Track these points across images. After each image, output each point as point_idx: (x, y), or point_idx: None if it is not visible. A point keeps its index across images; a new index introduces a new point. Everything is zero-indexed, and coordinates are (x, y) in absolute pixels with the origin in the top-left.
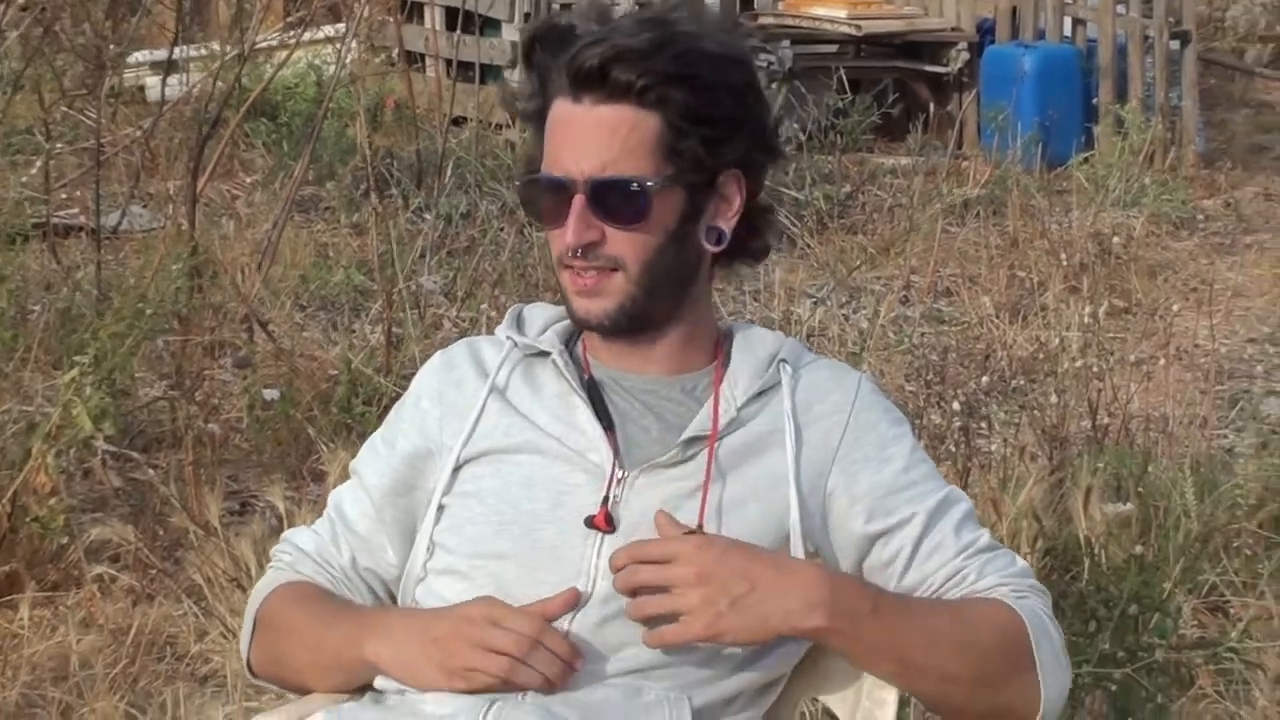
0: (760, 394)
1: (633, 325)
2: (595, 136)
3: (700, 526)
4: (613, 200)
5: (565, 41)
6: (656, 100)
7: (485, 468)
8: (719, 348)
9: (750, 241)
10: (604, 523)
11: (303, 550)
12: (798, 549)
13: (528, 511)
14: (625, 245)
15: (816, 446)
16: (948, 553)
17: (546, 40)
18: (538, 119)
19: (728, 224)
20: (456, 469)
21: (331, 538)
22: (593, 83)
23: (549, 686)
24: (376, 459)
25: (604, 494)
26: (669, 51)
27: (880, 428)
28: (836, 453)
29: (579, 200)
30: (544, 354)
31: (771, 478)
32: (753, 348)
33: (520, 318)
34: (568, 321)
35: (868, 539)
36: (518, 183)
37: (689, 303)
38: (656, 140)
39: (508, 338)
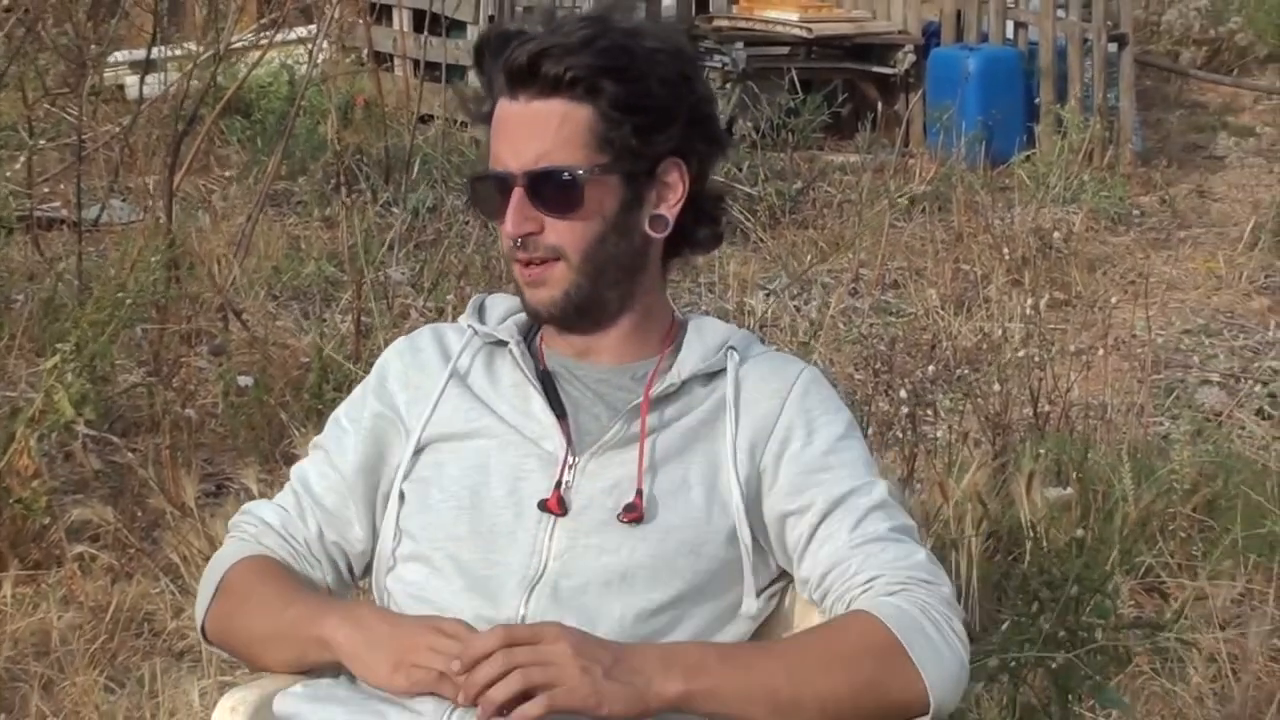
0: (708, 379)
1: (580, 314)
2: (530, 130)
3: (639, 493)
4: (547, 190)
5: (508, 44)
6: (586, 92)
7: (445, 454)
8: (670, 336)
9: (699, 229)
10: (556, 506)
11: (267, 523)
12: (744, 534)
13: (485, 497)
14: (563, 234)
15: (754, 430)
16: (839, 542)
17: (492, 45)
18: (487, 120)
19: (670, 211)
20: (417, 452)
21: (298, 512)
22: (525, 79)
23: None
24: (344, 435)
25: (556, 479)
26: (599, 45)
27: (813, 412)
28: (770, 434)
29: (517, 192)
30: (503, 343)
31: (712, 462)
32: (704, 335)
33: (482, 306)
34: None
35: (779, 519)
36: (466, 182)
37: (639, 292)
38: (589, 130)
39: (469, 326)
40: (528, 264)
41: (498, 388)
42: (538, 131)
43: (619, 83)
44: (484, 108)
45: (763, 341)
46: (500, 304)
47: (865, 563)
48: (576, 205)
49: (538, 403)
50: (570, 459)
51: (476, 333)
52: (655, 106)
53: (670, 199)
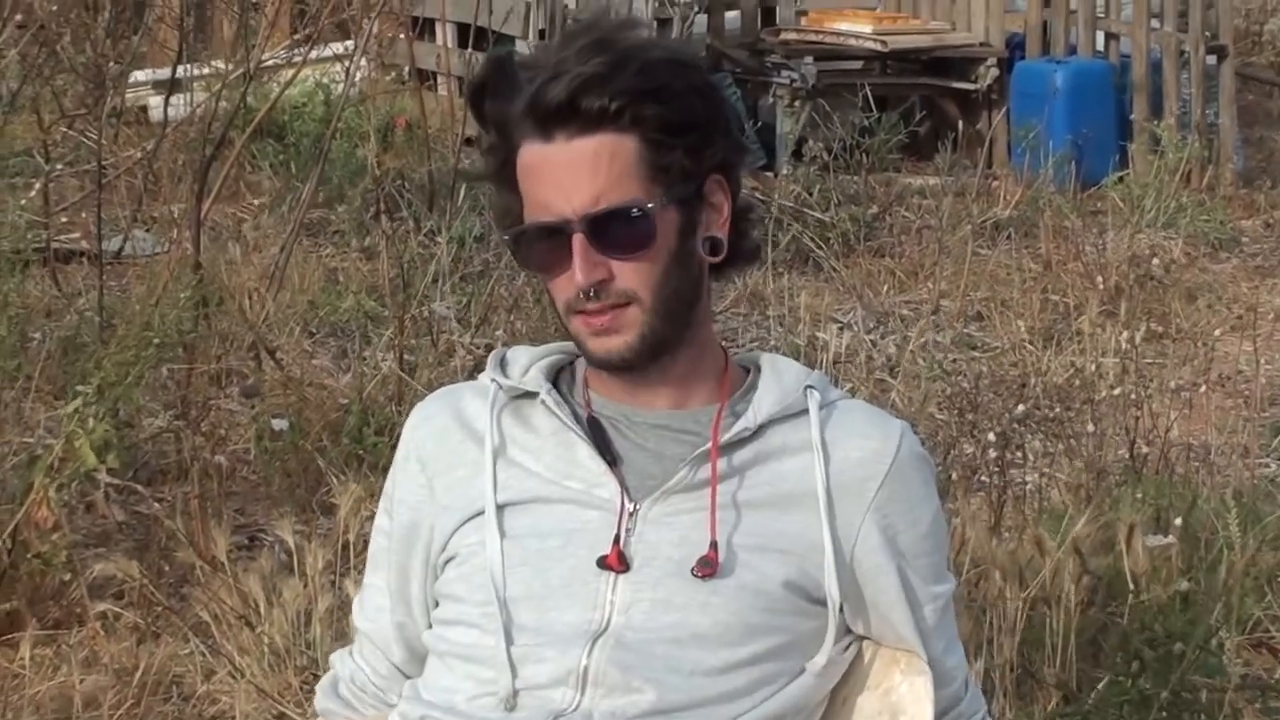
0: (785, 421)
1: (654, 356)
2: (579, 171)
3: (714, 545)
4: (615, 231)
5: (513, 85)
6: (631, 121)
7: (491, 525)
8: (727, 374)
9: (741, 245)
10: (616, 561)
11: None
12: (833, 592)
13: (536, 551)
14: (635, 276)
15: (850, 486)
16: (915, 633)
17: (494, 89)
18: (503, 171)
19: (722, 231)
20: (460, 526)
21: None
22: (563, 117)
23: None
24: (381, 552)
25: (615, 531)
26: (629, 69)
27: (915, 484)
28: (872, 502)
29: (579, 239)
30: (531, 395)
31: (799, 516)
32: (780, 375)
33: (504, 360)
34: (551, 358)
35: (875, 600)
36: (505, 238)
37: (696, 324)
38: (640, 161)
39: (492, 380)
40: (599, 313)
41: (538, 440)
42: (588, 171)
43: (663, 105)
44: (495, 158)
45: (836, 383)
46: (522, 356)
47: (972, 704)
48: (649, 242)
49: (584, 449)
50: (630, 506)
51: (501, 387)
52: (700, 123)
53: (719, 219)
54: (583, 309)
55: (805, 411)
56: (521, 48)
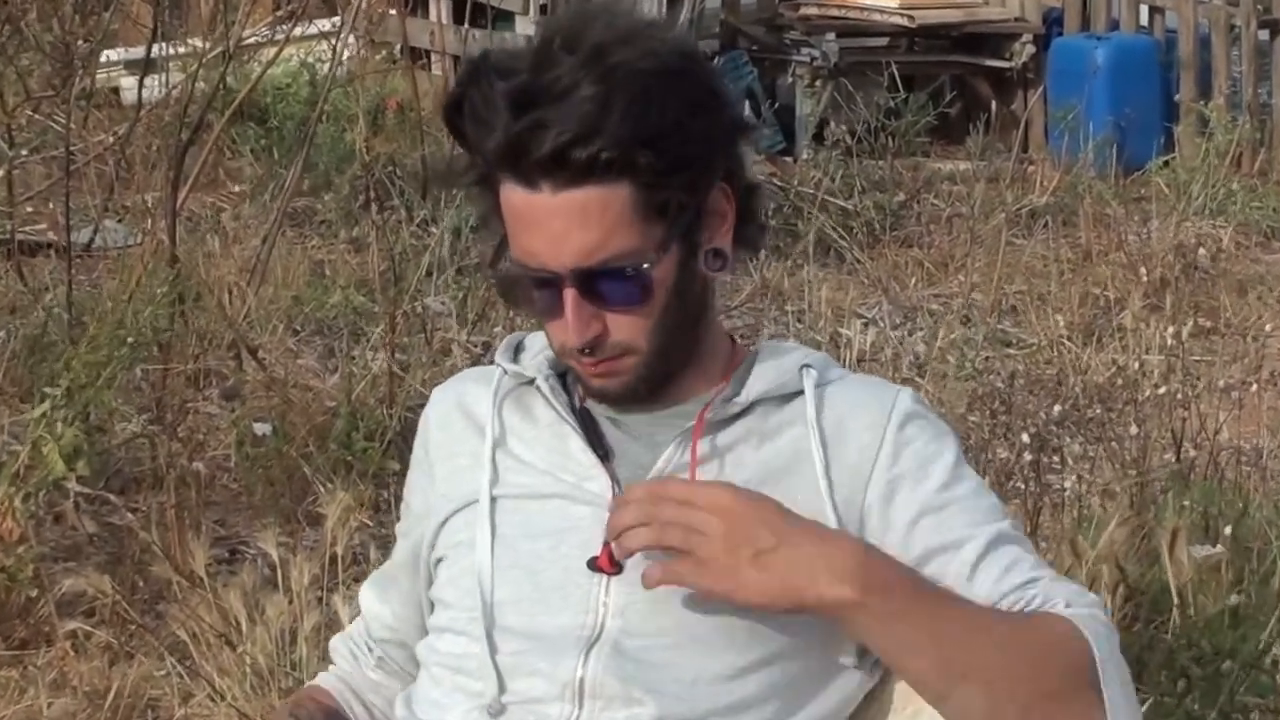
0: (781, 403)
1: (653, 390)
2: (569, 223)
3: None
4: (610, 287)
5: (491, 107)
6: (622, 168)
7: (480, 518)
8: (733, 362)
9: (747, 232)
10: (607, 563)
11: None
12: None
13: (528, 552)
14: (631, 329)
15: (850, 464)
16: (1007, 584)
17: (471, 110)
18: (484, 191)
19: (725, 240)
20: (449, 518)
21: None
22: (549, 169)
23: None
24: (406, 522)
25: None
26: (617, 105)
27: (919, 442)
28: (873, 469)
29: (571, 294)
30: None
31: (798, 501)
32: (778, 357)
33: (519, 346)
34: None
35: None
36: (490, 276)
37: (699, 336)
38: (634, 206)
39: (498, 365)
40: (594, 364)
41: (535, 431)
42: (578, 223)
43: (655, 149)
44: (472, 173)
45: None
46: (537, 342)
47: (1048, 594)
48: (647, 298)
49: (575, 441)
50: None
51: (506, 373)
52: (696, 150)
53: (722, 227)
54: (580, 360)
55: (801, 392)
56: (521, 25)
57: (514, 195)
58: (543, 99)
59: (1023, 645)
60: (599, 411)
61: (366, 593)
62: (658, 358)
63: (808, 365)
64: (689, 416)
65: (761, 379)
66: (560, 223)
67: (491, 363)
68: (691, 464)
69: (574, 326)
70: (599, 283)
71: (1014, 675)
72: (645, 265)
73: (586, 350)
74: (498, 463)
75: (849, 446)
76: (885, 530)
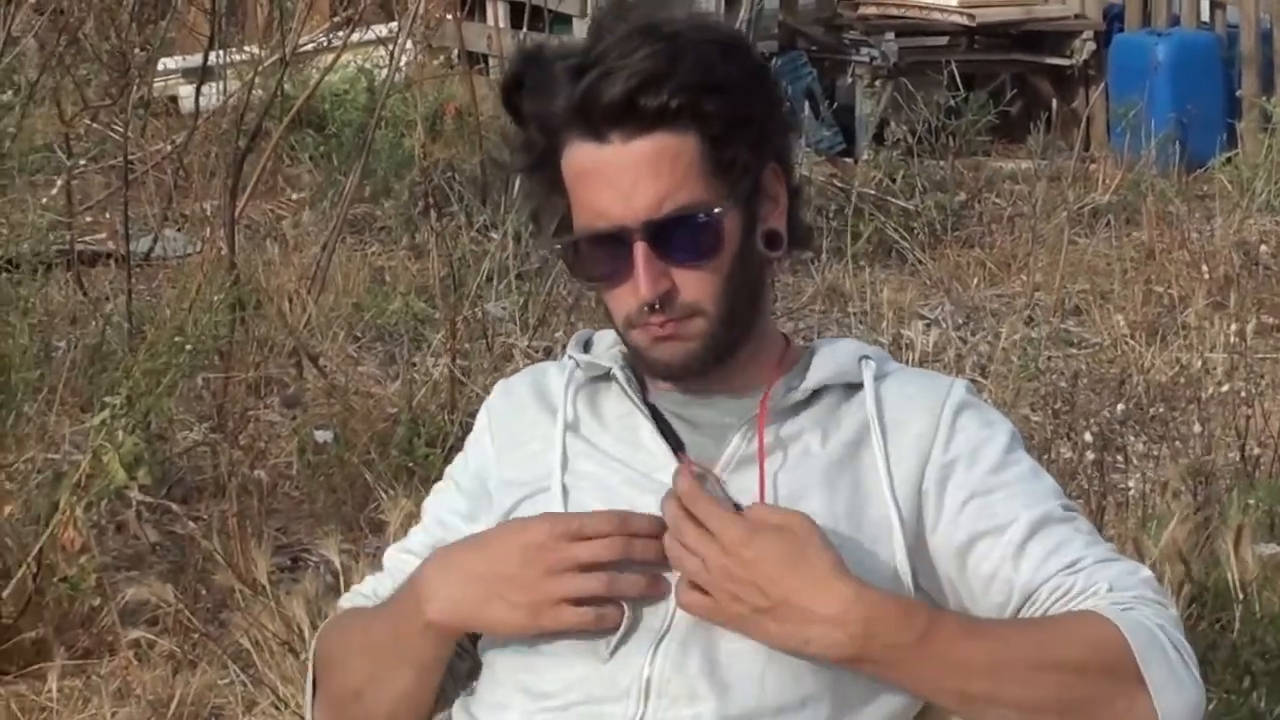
0: (841, 396)
1: (717, 363)
2: (639, 174)
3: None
4: (681, 238)
5: (552, 79)
6: (692, 118)
7: (553, 501)
8: (786, 358)
9: (796, 229)
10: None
11: (363, 596)
12: (905, 571)
13: None
14: (701, 287)
15: (909, 452)
16: (1052, 566)
17: (532, 84)
18: (544, 169)
19: (780, 223)
20: (518, 503)
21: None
22: (618, 118)
23: (652, 592)
24: (445, 495)
25: None
26: (685, 61)
27: (972, 426)
28: (929, 457)
29: (642, 247)
30: (606, 378)
31: (860, 490)
32: (835, 350)
33: (589, 341)
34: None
35: (956, 552)
36: (557, 246)
37: (758, 319)
38: (702, 159)
39: (569, 357)
40: (661, 325)
41: (603, 423)
42: (648, 173)
43: (724, 100)
44: (534, 156)
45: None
46: (607, 337)
47: (1090, 577)
48: (717, 249)
49: (647, 431)
50: None
51: (579, 365)
52: (757, 111)
53: (776, 209)
54: (645, 322)
55: (860, 385)
56: (579, 28)
57: (581, 153)
58: (607, 58)
59: (1052, 660)
60: (664, 405)
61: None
62: (723, 325)
63: (866, 357)
64: (751, 409)
65: (821, 369)
66: (630, 174)
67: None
68: (760, 452)
69: (645, 279)
70: (670, 233)
71: (1045, 693)
72: (717, 210)
73: (656, 306)
74: (568, 447)
75: (906, 436)
76: (938, 515)
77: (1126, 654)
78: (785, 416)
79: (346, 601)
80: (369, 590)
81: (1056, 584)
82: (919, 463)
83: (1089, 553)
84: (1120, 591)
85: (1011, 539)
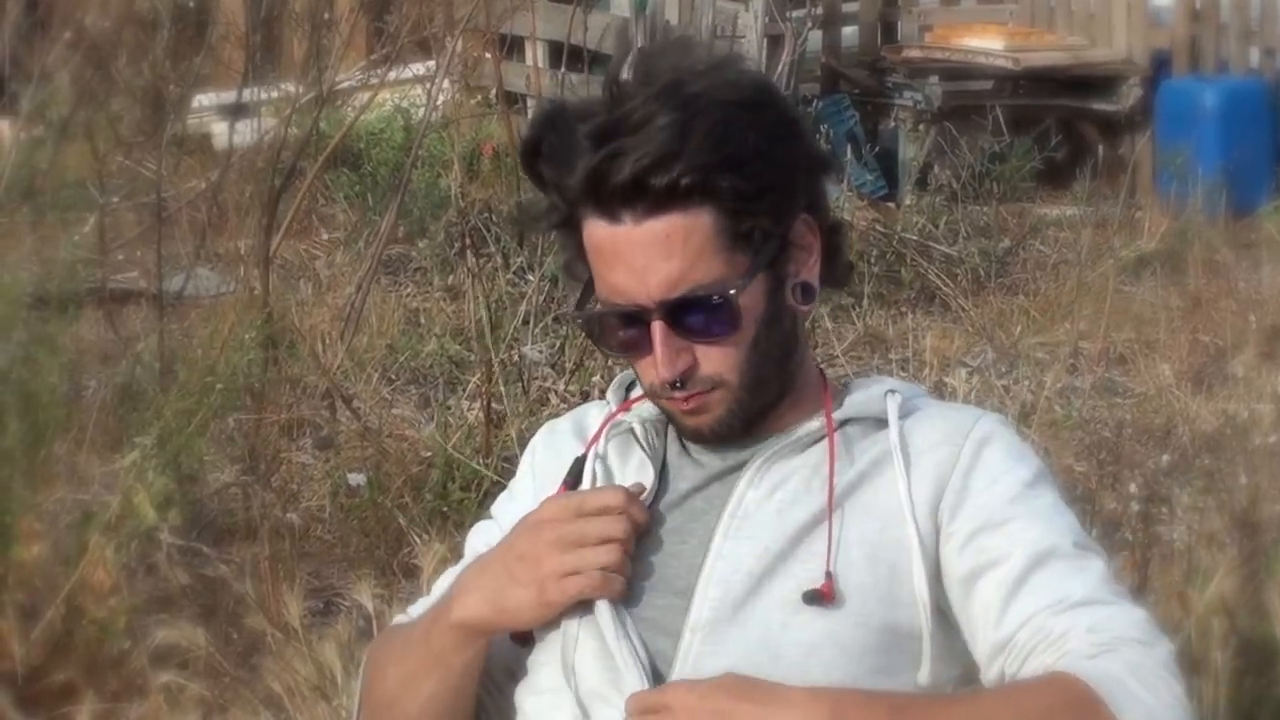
0: (868, 430)
1: (747, 427)
2: (651, 254)
3: (830, 507)
4: (696, 318)
5: (570, 148)
6: (704, 195)
7: None
8: (826, 392)
9: (833, 268)
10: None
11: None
12: (922, 594)
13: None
14: (721, 360)
15: (930, 479)
16: (1040, 604)
17: (549, 151)
18: (567, 233)
19: (812, 274)
20: None
21: None
22: (628, 199)
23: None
24: (486, 533)
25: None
26: (697, 131)
27: (995, 458)
28: (948, 483)
29: (660, 327)
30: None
31: (878, 518)
32: (868, 386)
33: (632, 384)
34: None
35: (961, 581)
36: (576, 318)
37: (794, 369)
38: (718, 234)
39: (608, 400)
40: (684, 400)
41: (625, 468)
42: (661, 253)
43: (738, 174)
44: (555, 216)
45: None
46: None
47: (1070, 628)
48: (735, 326)
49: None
50: None
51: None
52: (779, 177)
53: (809, 260)
54: (669, 396)
55: (885, 420)
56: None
57: (597, 231)
58: (621, 131)
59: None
60: (696, 450)
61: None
62: (748, 392)
63: (893, 391)
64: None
65: (851, 405)
66: (643, 255)
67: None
68: (830, 477)
69: (663, 359)
70: (686, 313)
71: None
72: (732, 292)
73: (677, 384)
74: (597, 478)
75: (928, 465)
76: (950, 542)
77: (1089, 695)
78: (799, 449)
79: (395, 621)
80: (417, 612)
81: (1037, 625)
82: (938, 488)
83: (1085, 591)
84: (1101, 632)
85: (1010, 571)
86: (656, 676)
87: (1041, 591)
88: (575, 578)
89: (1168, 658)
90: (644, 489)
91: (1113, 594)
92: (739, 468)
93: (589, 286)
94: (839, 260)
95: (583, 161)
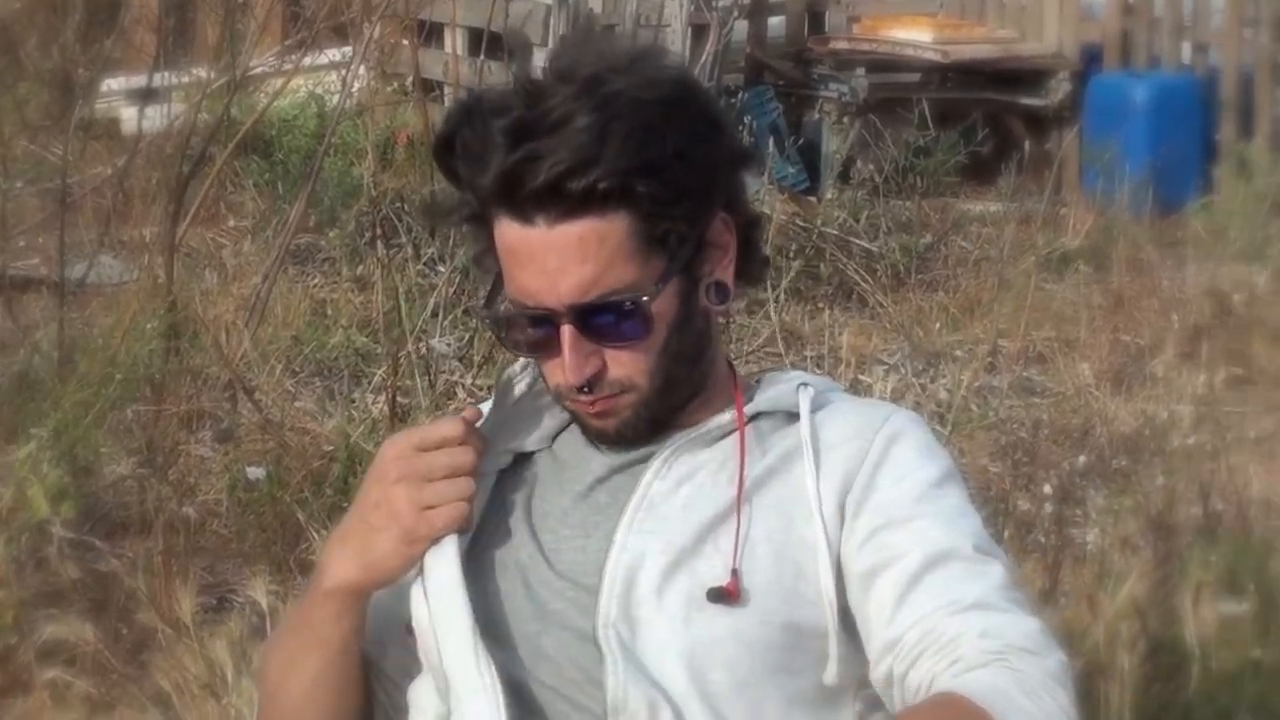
0: (777, 425)
1: (654, 429)
2: (565, 258)
3: (739, 503)
4: (607, 322)
5: (485, 144)
6: (621, 199)
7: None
8: (736, 389)
9: (749, 265)
10: None
11: None
12: (828, 591)
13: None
14: (632, 364)
15: (838, 474)
16: (932, 606)
17: (463, 146)
18: (478, 229)
19: (727, 273)
20: None
21: None
22: (544, 202)
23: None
24: None
25: None
26: (616, 134)
27: (904, 455)
28: (854, 480)
29: (569, 331)
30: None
31: (784, 513)
32: (780, 380)
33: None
34: None
35: (861, 577)
36: (484, 316)
37: (702, 371)
38: (633, 239)
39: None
40: (591, 403)
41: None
42: (575, 257)
43: (655, 177)
44: (465, 210)
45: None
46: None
47: (961, 632)
48: (647, 331)
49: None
50: None
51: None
52: (698, 181)
53: (724, 259)
54: (575, 399)
55: (798, 413)
56: (540, 57)
57: (509, 232)
58: (538, 131)
59: None
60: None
61: None
62: (657, 395)
63: (805, 384)
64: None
65: (763, 399)
66: (556, 258)
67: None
68: (740, 471)
69: (571, 364)
70: (597, 318)
71: None
72: (644, 298)
73: (585, 388)
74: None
75: (837, 460)
76: (849, 539)
77: (979, 714)
78: (708, 443)
79: None
80: None
81: (929, 626)
82: (846, 483)
83: (981, 595)
84: (992, 639)
85: (906, 569)
86: (523, 681)
87: (936, 592)
88: (437, 511)
89: (1057, 668)
90: (480, 414)
91: (1009, 601)
92: (646, 459)
93: (499, 282)
94: (754, 257)
95: (497, 160)
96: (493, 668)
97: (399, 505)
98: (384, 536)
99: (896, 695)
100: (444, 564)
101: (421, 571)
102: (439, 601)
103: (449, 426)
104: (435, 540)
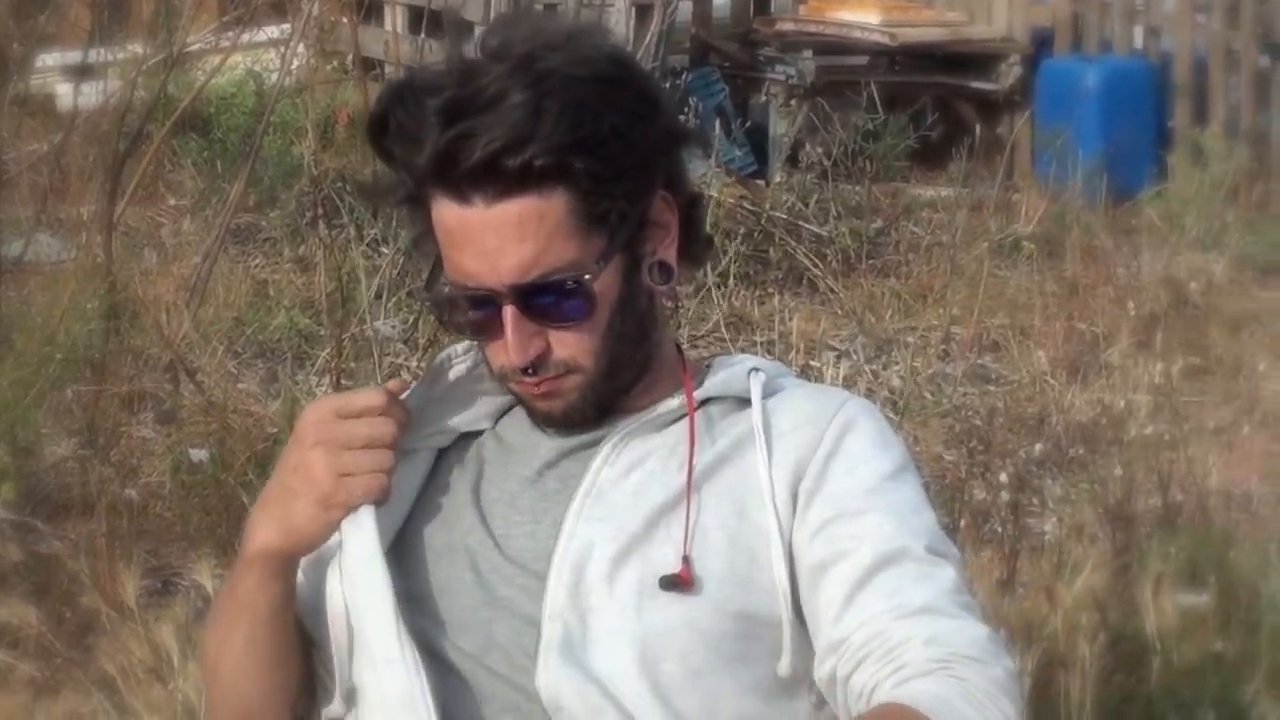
0: (729, 410)
1: (600, 410)
2: (504, 237)
3: (689, 489)
4: (549, 302)
5: (419, 124)
6: (559, 176)
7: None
8: (685, 372)
9: (691, 244)
10: None
11: None
12: (781, 579)
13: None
14: (576, 344)
15: (790, 462)
16: (879, 607)
17: (397, 127)
18: (415, 210)
19: (669, 252)
20: None
21: None
22: (480, 181)
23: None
24: None
25: None
26: (550, 110)
27: (857, 445)
28: (806, 470)
29: (511, 312)
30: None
31: (736, 501)
32: (730, 364)
33: (444, 366)
34: None
35: (811, 570)
36: (425, 299)
37: (647, 352)
38: (572, 216)
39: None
40: (536, 384)
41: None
42: (513, 236)
43: (593, 155)
44: (401, 192)
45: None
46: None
47: (906, 638)
48: (590, 310)
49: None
50: None
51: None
52: (636, 158)
53: (666, 238)
54: (520, 380)
55: (749, 399)
56: (480, 35)
57: (446, 212)
58: (471, 109)
59: None
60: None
61: None
62: (602, 377)
63: (756, 369)
64: (628, 424)
65: (713, 384)
66: (494, 238)
67: None
68: (690, 457)
69: (514, 345)
70: (539, 298)
71: None
72: (586, 277)
73: (529, 370)
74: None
75: (789, 447)
76: (800, 530)
77: None
78: (658, 428)
79: None
80: None
81: (875, 629)
82: (798, 472)
83: (929, 599)
84: (937, 646)
85: (856, 567)
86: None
87: (885, 593)
88: (354, 480)
89: (1004, 677)
90: (406, 386)
91: (958, 606)
92: (595, 444)
93: (439, 264)
94: (697, 236)
95: (431, 140)
96: (411, 640)
97: (316, 470)
98: (302, 501)
99: (840, 696)
100: (362, 537)
101: (341, 548)
102: (356, 574)
103: (371, 396)
104: (352, 508)
